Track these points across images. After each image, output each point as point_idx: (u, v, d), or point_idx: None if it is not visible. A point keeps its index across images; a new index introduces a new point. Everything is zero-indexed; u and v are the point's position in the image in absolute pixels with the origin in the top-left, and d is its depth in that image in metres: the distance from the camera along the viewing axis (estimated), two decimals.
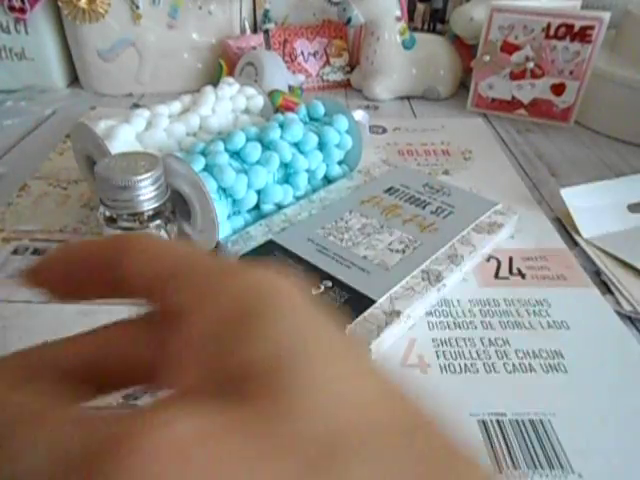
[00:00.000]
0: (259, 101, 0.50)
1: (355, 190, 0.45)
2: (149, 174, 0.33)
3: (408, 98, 0.72)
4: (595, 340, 0.34)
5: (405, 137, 0.61)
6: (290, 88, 0.65)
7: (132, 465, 0.08)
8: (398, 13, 0.66)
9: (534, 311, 0.36)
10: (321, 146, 0.44)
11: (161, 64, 0.70)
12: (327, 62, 0.75)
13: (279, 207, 0.43)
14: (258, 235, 0.39)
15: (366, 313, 0.32)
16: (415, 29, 0.77)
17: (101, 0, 0.64)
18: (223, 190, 0.38)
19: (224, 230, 0.39)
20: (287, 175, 0.42)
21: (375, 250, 0.37)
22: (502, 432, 0.28)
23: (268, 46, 0.71)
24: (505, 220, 0.41)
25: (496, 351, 0.33)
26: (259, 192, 0.40)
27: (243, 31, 0.71)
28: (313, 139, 0.43)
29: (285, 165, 0.42)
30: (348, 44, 0.76)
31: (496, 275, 0.39)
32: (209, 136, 0.44)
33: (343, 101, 0.71)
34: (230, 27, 0.71)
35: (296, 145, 0.42)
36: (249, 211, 0.41)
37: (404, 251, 0.37)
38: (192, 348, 0.12)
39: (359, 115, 0.57)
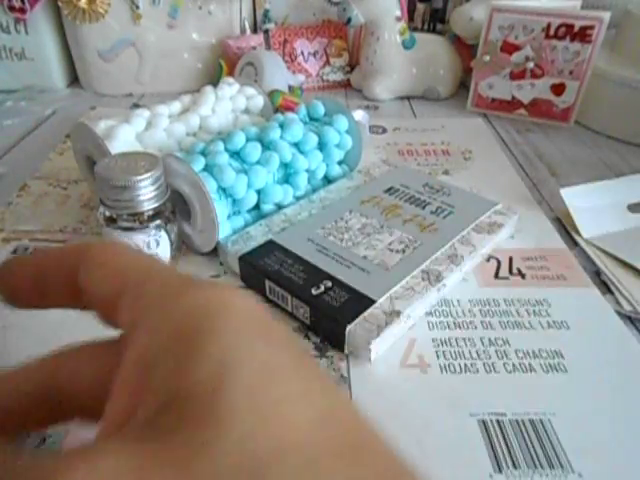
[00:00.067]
0: (259, 101, 0.50)
1: (355, 190, 0.45)
2: (149, 174, 0.33)
3: (408, 98, 0.72)
4: (595, 340, 0.34)
5: (405, 137, 0.61)
6: (290, 88, 0.65)
7: None
8: (398, 13, 0.66)
9: (534, 311, 0.36)
10: (321, 146, 0.44)
11: (161, 64, 0.70)
12: (327, 62, 0.75)
13: (279, 207, 0.43)
14: (258, 235, 0.39)
15: (366, 313, 0.32)
16: (415, 29, 0.77)
17: (101, 0, 0.64)
18: (223, 190, 0.38)
19: (224, 230, 0.39)
20: (287, 175, 0.42)
21: (375, 250, 0.37)
22: (502, 432, 0.28)
23: (268, 46, 0.71)
24: (505, 220, 0.41)
25: (496, 351, 0.33)
26: (259, 192, 0.40)
27: (243, 31, 0.71)
28: (313, 139, 0.43)
29: (285, 165, 0.42)
30: (348, 44, 0.76)
31: (496, 275, 0.39)
32: (209, 136, 0.45)
33: (343, 101, 0.71)
34: (230, 27, 0.71)
35: (296, 145, 0.42)
36: (249, 211, 0.41)
37: (404, 251, 0.37)
38: (131, 372, 0.12)
39: (359, 115, 0.57)
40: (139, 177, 0.33)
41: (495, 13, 0.61)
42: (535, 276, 0.39)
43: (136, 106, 0.68)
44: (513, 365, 0.32)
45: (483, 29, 0.62)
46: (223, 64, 0.68)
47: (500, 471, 0.26)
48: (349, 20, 0.65)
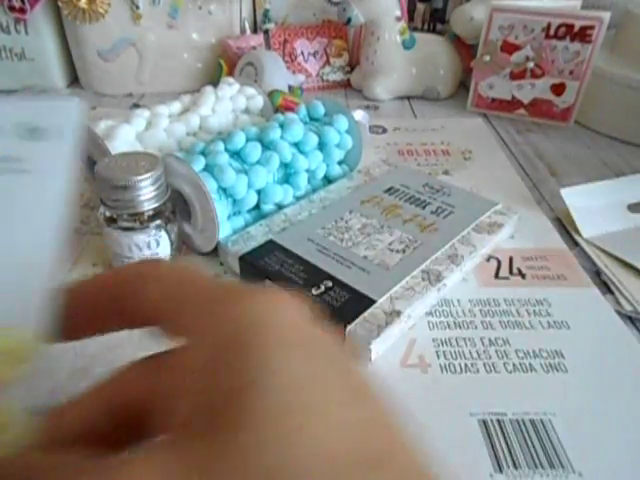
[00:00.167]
0: (259, 101, 0.50)
1: (355, 190, 0.45)
2: (149, 174, 0.33)
3: (408, 98, 0.72)
4: (595, 340, 0.34)
5: (405, 137, 0.61)
6: (290, 88, 0.65)
7: None
8: (398, 13, 0.66)
9: (534, 311, 0.36)
10: (321, 146, 0.44)
11: (161, 64, 0.70)
12: (327, 62, 0.75)
13: (279, 207, 0.43)
14: (258, 235, 0.39)
15: (366, 313, 0.32)
16: (415, 29, 0.77)
17: (101, 0, 0.64)
18: (223, 190, 0.38)
19: (224, 230, 0.39)
20: (287, 175, 0.42)
21: (375, 250, 0.37)
22: (502, 432, 0.28)
23: (268, 46, 0.71)
24: (505, 220, 0.41)
25: (496, 351, 0.33)
26: (259, 192, 0.40)
27: (243, 31, 0.71)
28: (313, 139, 0.43)
29: (285, 165, 0.42)
30: (348, 44, 0.76)
31: (496, 275, 0.39)
32: (209, 136, 0.45)
33: (343, 101, 0.71)
34: (230, 27, 0.71)
35: (296, 145, 0.42)
36: (249, 211, 0.41)
37: (404, 251, 0.37)
38: (184, 381, 0.12)
39: (359, 115, 0.57)
40: (139, 177, 0.33)
41: (495, 13, 0.61)
42: (535, 276, 0.39)
43: (136, 106, 0.68)
44: (513, 365, 0.32)
45: (483, 29, 0.62)
46: (223, 64, 0.68)
47: (500, 471, 0.26)
48: (349, 20, 0.65)
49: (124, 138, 0.40)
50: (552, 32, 0.60)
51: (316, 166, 0.44)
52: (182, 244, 0.40)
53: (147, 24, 0.67)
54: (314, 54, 0.74)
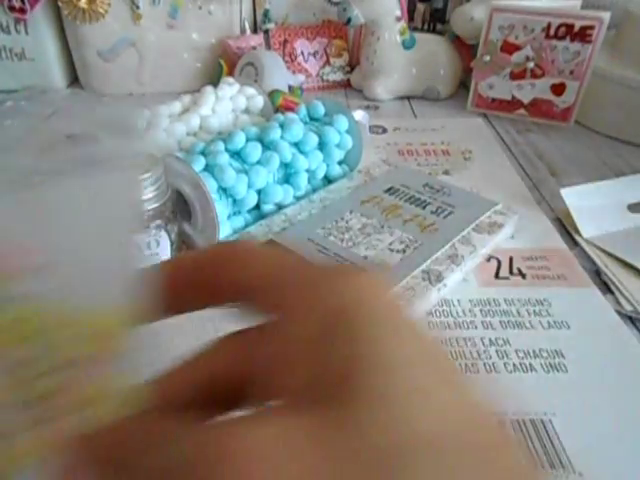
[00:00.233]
0: (259, 101, 0.50)
1: (355, 190, 0.45)
2: (149, 174, 0.33)
3: (408, 98, 0.72)
4: (595, 340, 0.34)
5: (405, 137, 0.61)
6: (290, 88, 0.65)
7: (226, 467, 0.10)
8: (398, 13, 0.66)
9: (534, 311, 0.36)
10: (321, 146, 0.44)
11: (161, 64, 0.70)
12: (327, 62, 0.75)
13: (279, 207, 0.43)
14: (258, 235, 0.39)
15: None
16: (415, 29, 0.77)
17: (101, 0, 0.64)
18: (223, 190, 0.38)
19: (224, 230, 0.39)
20: (287, 175, 0.42)
21: (375, 250, 0.37)
22: None
23: (268, 46, 0.71)
24: (505, 220, 0.41)
25: (497, 351, 0.33)
26: (259, 192, 0.40)
27: (243, 31, 0.71)
28: (313, 139, 0.43)
29: (285, 165, 0.42)
30: (348, 44, 0.76)
31: (496, 275, 0.39)
32: (209, 136, 0.45)
33: (343, 101, 0.71)
34: (230, 27, 0.71)
35: (296, 145, 0.42)
36: (249, 211, 0.41)
37: (404, 251, 0.37)
38: (297, 351, 0.13)
39: (359, 115, 0.57)
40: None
41: (495, 13, 0.61)
42: (535, 276, 0.39)
43: None
44: (514, 365, 0.32)
45: (483, 29, 0.62)
46: (223, 64, 0.68)
47: None
48: (349, 20, 0.65)
49: None
50: (552, 32, 0.60)
51: (316, 166, 0.44)
52: (182, 244, 0.40)
53: (147, 24, 0.67)
54: (314, 54, 0.74)
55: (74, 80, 0.74)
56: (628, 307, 0.36)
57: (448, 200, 0.43)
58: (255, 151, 0.39)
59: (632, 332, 0.34)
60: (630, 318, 0.36)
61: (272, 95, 0.54)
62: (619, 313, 0.36)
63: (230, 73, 0.68)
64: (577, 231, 0.44)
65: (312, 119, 0.47)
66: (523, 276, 0.39)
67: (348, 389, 0.11)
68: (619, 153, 0.59)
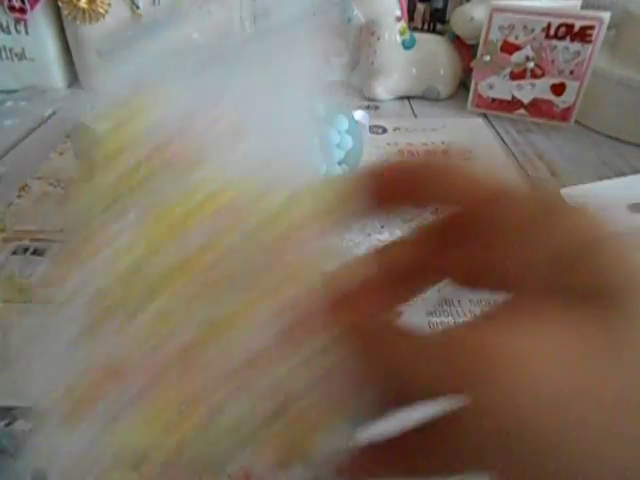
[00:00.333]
0: None
1: None
2: None
3: (408, 98, 0.72)
4: None
5: (405, 137, 0.61)
6: None
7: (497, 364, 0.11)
8: (398, 13, 0.66)
9: None
10: (321, 146, 0.44)
11: None
12: (327, 62, 0.75)
13: None
14: None
15: None
16: (415, 29, 0.77)
17: (101, 0, 0.65)
18: None
19: None
20: None
21: None
22: None
23: None
24: None
25: None
26: None
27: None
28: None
29: None
30: (348, 44, 0.76)
31: None
32: None
33: (343, 101, 0.71)
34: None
35: None
36: None
37: None
38: (527, 262, 0.14)
39: (359, 115, 0.57)
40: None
41: (495, 13, 0.61)
42: None
43: None
44: None
45: (483, 29, 0.62)
46: None
47: None
48: (349, 20, 0.65)
49: None
50: (552, 32, 0.60)
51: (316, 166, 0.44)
52: None
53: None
54: None
55: (74, 80, 0.74)
56: None
57: None
58: None
59: None
60: None
61: None
62: None
63: None
64: None
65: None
66: None
67: (623, 293, 0.12)
68: (619, 153, 0.59)
